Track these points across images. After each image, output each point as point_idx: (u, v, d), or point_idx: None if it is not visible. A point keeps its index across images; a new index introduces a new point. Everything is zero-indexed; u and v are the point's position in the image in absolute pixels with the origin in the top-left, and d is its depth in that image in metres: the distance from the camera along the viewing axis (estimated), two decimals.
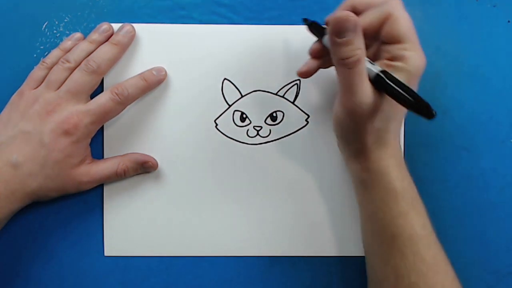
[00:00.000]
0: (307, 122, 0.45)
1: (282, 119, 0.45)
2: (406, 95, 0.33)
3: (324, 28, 0.38)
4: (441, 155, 0.44)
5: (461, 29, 0.45)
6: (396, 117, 0.37)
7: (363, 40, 0.34)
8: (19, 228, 0.44)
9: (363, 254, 0.44)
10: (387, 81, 0.34)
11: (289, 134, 0.45)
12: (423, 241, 0.37)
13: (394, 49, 0.35)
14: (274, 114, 0.45)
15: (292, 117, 0.45)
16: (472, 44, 0.45)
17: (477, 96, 0.45)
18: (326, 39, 0.36)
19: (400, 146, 0.39)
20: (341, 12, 0.33)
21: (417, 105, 0.32)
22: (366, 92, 0.34)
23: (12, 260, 0.44)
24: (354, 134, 0.37)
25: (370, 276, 0.41)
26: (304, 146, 0.45)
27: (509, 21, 0.45)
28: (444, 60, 0.45)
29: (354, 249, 0.44)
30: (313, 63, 0.39)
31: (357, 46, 0.33)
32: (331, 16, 0.33)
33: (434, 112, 0.31)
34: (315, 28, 0.39)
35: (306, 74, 0.40)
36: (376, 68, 0.35)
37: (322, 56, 0.39)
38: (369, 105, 0.35)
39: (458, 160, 0.45)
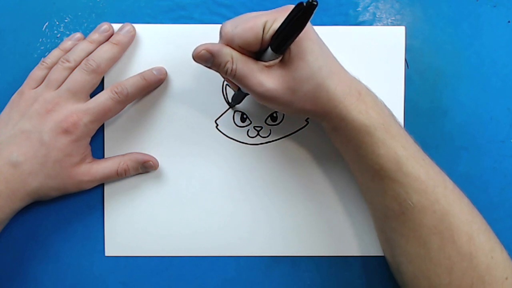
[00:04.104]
0: (307, 123, 0.45)
1: (283, 119, 0.45)
2: (286, 23, 0.33)
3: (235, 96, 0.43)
4: (441, 155, 0.45)
5: (461, 29, 0.45)
6: (310, 65, 0.36)
7: (228, 53, 0.37)
8: (19, 228, 0.44)
9: (363, 254, 0.44)
10: (276, 41, 0.35)
11: (289, 134, 0.45)
12: (410, 161, 0.37)
13: None
14: (275, 115, 0.45)
15: (293, 117, 0.45)
16: (472, 44, 0.45)
17: (477, 96, 0.45)
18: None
19: (349, 76, 0.38)
20: (195, 49, 0.37)
21: (301, 11, 0.32)
22: (259, 82, 0.36)
23: (12, 260, 0.44)
24: (296, 108, 0.37)
25: (374, 214, 0.41)
26: (304, 146, 0.45)
27: (509, 21, 0.45)
28: (444, 60, 0.45)
29: (355, 249, 0.44)
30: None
31: (223, 63, 0.37)
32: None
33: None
34: (239, 98, 0.43)
35: None
36: (269, 51, 0.36)
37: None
38: (271, 87, 0.36)
39: (458, 160, 0.45)
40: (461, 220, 0.36)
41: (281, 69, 0.36)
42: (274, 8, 0.45)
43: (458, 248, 0.36)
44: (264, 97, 0.37)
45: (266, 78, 0.36)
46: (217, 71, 0.38)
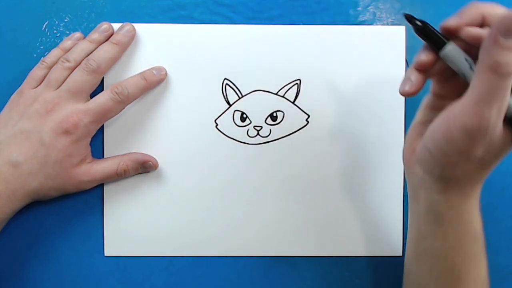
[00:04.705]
0: (307, 122, 0.45)
1: (283, 119, 0.45)
2: None
3: (438, 35, 0.33)
4: None
5: None
6: (500, 157, 0.32)
7: None
8: (19, 228, 0.44)
9: (363, 254, 0.44)
10: None
11: (289, 134, 0.45)
12: (484, 286, 0.36)
13: None
14: (275, 114, 0.45)
15: (292, 117, 0.45)
16: None
17: None
18: (447, 50, 0.32)
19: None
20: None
21: None
22: (502, 111, 0.29)
23: (12, 260, 0.44)
24: (455, 158, 0.31)
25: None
26: (304, 146, 0.45)
27: None
28: None
29: (355, 249, 0.44)
30: (419, 78, 0.33)
31: None
32: (502, 14, 0.29)
33: None
34: (428, 34, 0.33)
35: (414, 93, 0.33)
36: None
37: (429, 68, 0.33)
38: (495, 127, 0.29)
39: None
40: None
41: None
42: (274, 9, 0.45)
43: None
44: (479, 126, 0.29)
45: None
46: (493, 48, 0.28)
